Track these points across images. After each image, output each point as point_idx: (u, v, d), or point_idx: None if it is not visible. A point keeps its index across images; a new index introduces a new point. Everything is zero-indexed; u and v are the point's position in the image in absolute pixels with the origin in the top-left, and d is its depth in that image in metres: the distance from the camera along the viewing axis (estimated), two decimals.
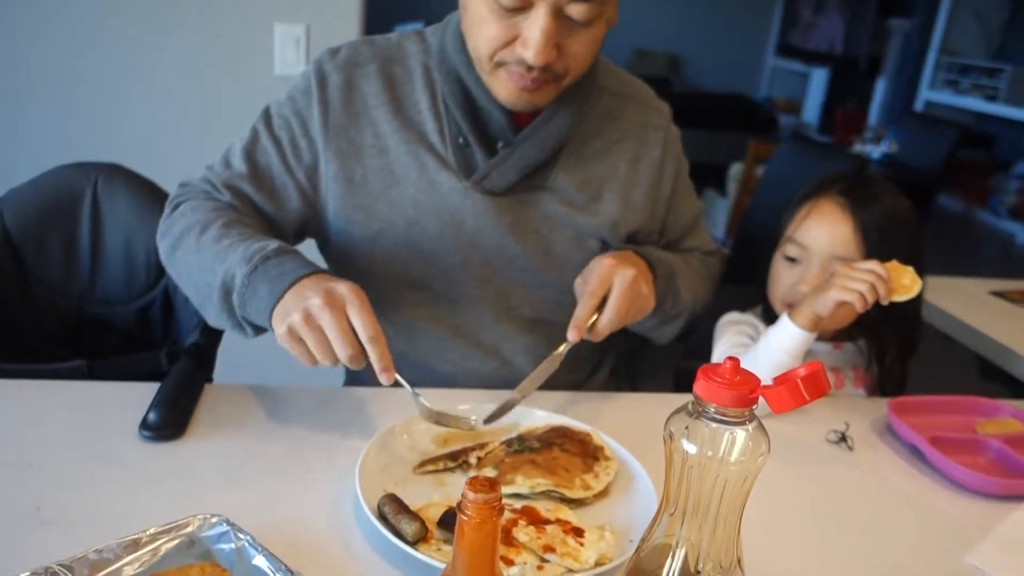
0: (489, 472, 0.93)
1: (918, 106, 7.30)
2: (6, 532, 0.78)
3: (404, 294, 1.19)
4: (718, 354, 1.30)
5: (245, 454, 0.95)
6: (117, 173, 1.36)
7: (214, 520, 0.76)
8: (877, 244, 1.21)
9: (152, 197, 1.36)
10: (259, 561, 0.72)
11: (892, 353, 1.31)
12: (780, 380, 0.56)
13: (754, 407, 0.56)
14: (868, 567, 0.86)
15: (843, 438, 1.11)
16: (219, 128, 2.08)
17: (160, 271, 1.36)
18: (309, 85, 1.14)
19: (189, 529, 0.75)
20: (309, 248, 1.23)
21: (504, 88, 1.05)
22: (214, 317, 1.05)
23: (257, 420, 1.02)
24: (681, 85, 7.76)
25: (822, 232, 1.24)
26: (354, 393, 1.12)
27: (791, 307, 1.22)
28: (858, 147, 5.13)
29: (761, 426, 0.57)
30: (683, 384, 1.53)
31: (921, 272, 1.15)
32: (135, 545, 0.72)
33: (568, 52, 1.02)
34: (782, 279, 1.29)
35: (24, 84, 2.02)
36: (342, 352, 0.89)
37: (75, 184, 1.34)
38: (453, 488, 0.92)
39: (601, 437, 1.00)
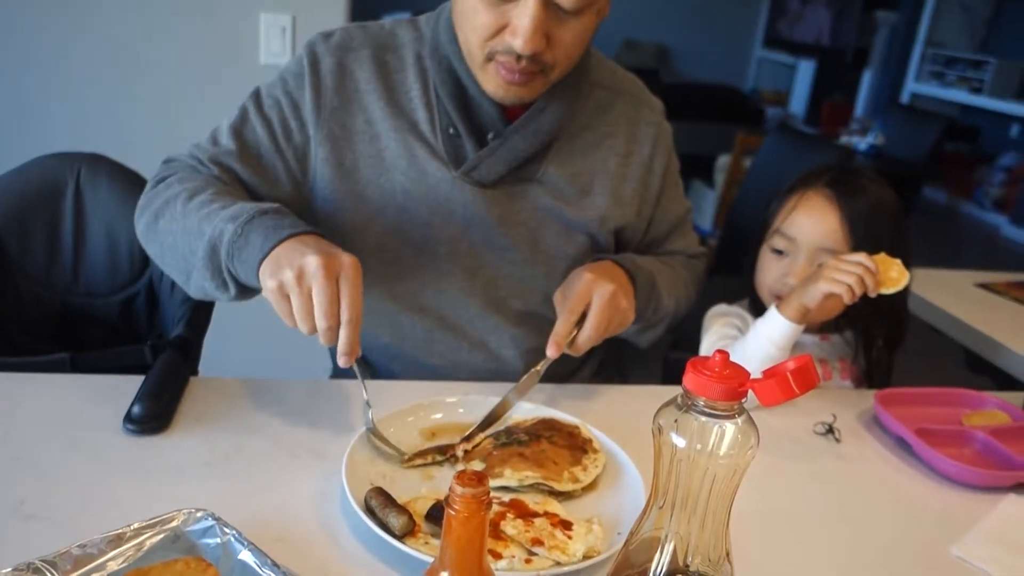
0: (477, 465, 0.92)
1: (904, 98, 7.34)
2: None
3: (392, 284, 1.18)
4: (706, 346, 1.30)
5: (231, 447, 0.94)
6: (100, 163, 1.34)
7: (199, 514, 0.75)
8: (863, 235, 1.22)
9: (136, 188, 1.34)
10: (245, 556, 0.72)
11: (879, 344, 1.31)
12: (769, 373, 0.56)
13: (743, 400, 0.56)
14: (854, 559, 0.87)
15: (830, 430, 1.12)
16: (204, 118, 2.04)
17: (144, 262, 1.34)
18: (302, 67, 1.13)
19: (174, 524, 0.75)
20: None
21: (493, 81, 1.05)
22: (197, 280, 1.01)
23: (243, 413, 1.01)
24: (669, 76, 7.76)
25: (809, 224, 1.24)
26: (341, 386, 1.11)
27: (779, 298, 1.22)
28: (844, 139, 5.15)
29: (750, 419, 0.57)
30: (671, 375, 1.53)
31: (908, 264, 1.15)
32: (119, 540, 0.72)
33: (557, 43, 1.01)
34: (769, 271, 1.29)
35: (5, 74, 1.99)
36: (321, 322, 0.87)
37: (57, 175, 1.32)
38: (441, 481, 0.91)
39: (589, 430, 1.00)
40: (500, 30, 1.00)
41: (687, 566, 0.59)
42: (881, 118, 5.87)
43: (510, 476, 0.89)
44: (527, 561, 0.77)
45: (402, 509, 0.80)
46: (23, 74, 1.99)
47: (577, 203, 1.18)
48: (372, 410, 0.95)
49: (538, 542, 0.79)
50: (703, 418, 0.56)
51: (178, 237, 1.02)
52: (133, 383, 1.01)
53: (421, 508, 0.83)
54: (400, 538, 0.77)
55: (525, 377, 1.04)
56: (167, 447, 0.93)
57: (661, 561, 0.60)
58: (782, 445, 1.08)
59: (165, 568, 0.70)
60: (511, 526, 0.80)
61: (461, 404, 1.04)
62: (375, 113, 1.13)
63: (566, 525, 0.82)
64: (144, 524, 0.73)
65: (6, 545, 0.75)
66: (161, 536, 0.74)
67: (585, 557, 0.78)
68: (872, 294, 1.12)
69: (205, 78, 2.06)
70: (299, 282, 0.88)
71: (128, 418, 0.94)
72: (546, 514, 0.84)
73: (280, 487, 0.88)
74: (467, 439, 0.97)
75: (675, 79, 7.76)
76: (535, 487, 0.89)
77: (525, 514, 0.83)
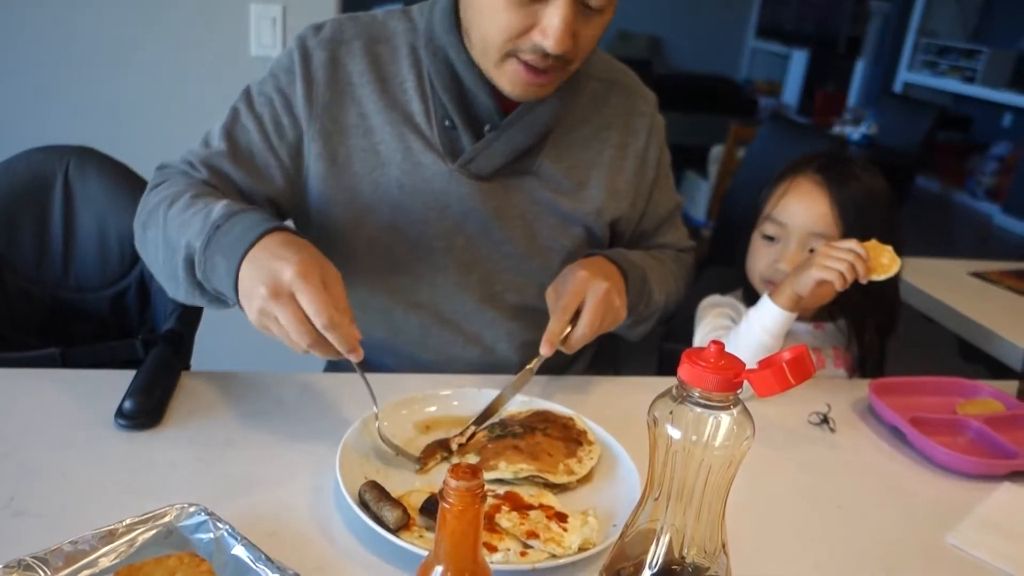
0: (472, 458, 0.92)
1: (897, 87, 7.35)
2: None
3: (386, 279, 1.17)
4: (699, 337, 1.30)
5: (223, 442, 0.93)
6: (89, 156, 1.33)
7: (192, 509, 0.75)
8: (854, 220, 1.22)
9: (125, 180, 1.33)
10: (238, 550, 0.71)
11: (871, 331, 1.32)
12: (765, 364, 0.56)
13: (739, 391, 0.55)
14: (849, 548, 0.86)
15: (825, 420, 1.12)
16: (194, 110, 2.05)
17: (135, 256, 1.33)
18: (292, 62, 1.11)
19: (166, 519, 0.74)
20: None
21: (512, 80, 1.03)
22: (185, 294, 0.99)
23: (235, 407, 1.01)
24: (663, 67, 7.76)
25: (799, 209, 1.25)
26: (335, 379, 1.10)
27: (771, 284, 1.22)
28: (838, 128, 5.14)
29: (746, 410, 0.56)
30: (666, 366, 1.53)
31: (899, 251, 1.15)
32: (111, 536, 0.71)
33: (580, 39, 1.00)
34: (761, 257, 1.29)
35: None
36: (300, 343, 0.84)
37: (46, 168, 1.31)
38: (436, 474, 0.91)
39: (584, 421, 1.00)
40: (527, 30, 0.98)
41: (683, 558, 0.59)
42: (874, 108, 5.87)
43: (505, 469, 0.88)
44: (522, 554, 0.77)
45: (396, 502, 0.80)
46: (9, 67, 1.97)
47: (573, 195, 1.18)
48: (378, 420, 0.93)
49: (533, 535, 0.78)
50: (698, 409, 0.56)
51: (160, 248, 1.01)
52: (124, 378, 1.00)
53: (416, 501, 0.82)
54: (394, 532, 0.77)
55: (518, 375, 1.04)
56: (159, 442, 0.92)
57: (657, 553, 0.59)
58: (777, 435, 1.08)
59: (158, 564, 0.70)
60: (506, 519, 0.80)
61: (455, 397, 1.04)
62: (368, 107, 1.11)
63: (561, 517, 0.82)
64: (136, 520, 0.73)
65: None
66: (154, 532, 0.73)
67: (581, 549, 0.77)
68: (863, 280, 1.12)
69: (196, 70, 2.05)
70: (264, 317, 0.85)
71: (119, 413, 0.93)
72: (541, 506, 0.83)
73: (274, 481, 0.87)
74: (463, 439, 0.96)
75: (668, 70, 7.75)
76: (530, 480, 0.89)
77: (520, 507, 0.83)
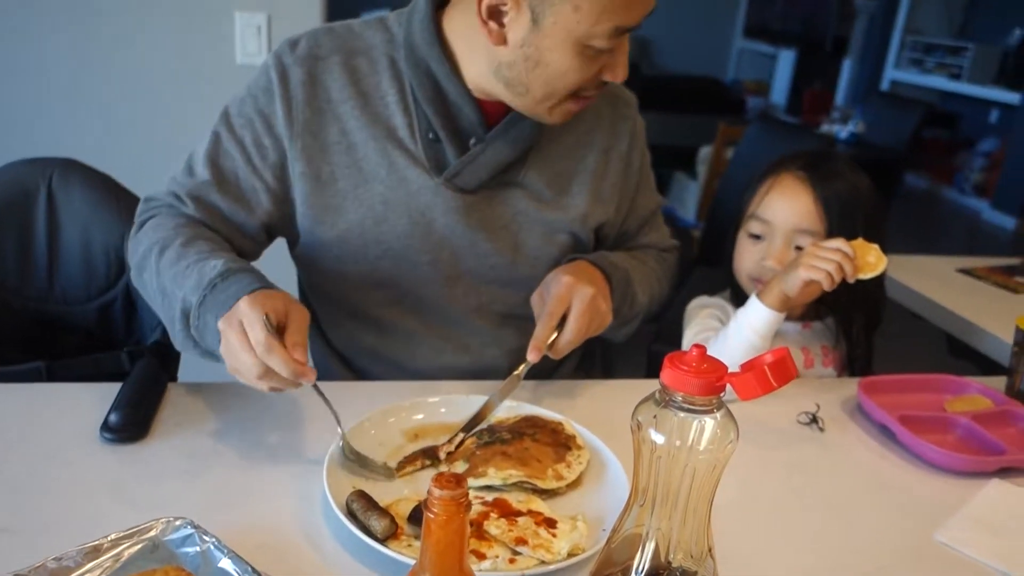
0: (460, 465, 0.91)
1: (884, 85, 7.39)
2: None
3: (373, 292, 1.17)
4: (688, 338, 1.30)
5: (210, 454, 0.93)
6: (72, 168, 1.32)
7: (178, 523, 0.74)
8: (838, 216, 1.23)
9: (109, 192, 1.33)
10: (225, 563, 0.71)
11: (858, 327, 1.33)
12: (747, 367, 0.56)
13: (722, 395, 0.55)
14: (839, 547, 0.86)
15: (814, 419, 1.12)
16: (180, 119, 2.05)
17: (120, 268, 1.32)
18: (270, 82, 1.10)
19: (152, 533, 0.74)
20: (281, 246, 1.21)
21: (564, 114, 1.07)
22: (180, 344, 1.00)
23: (222, 418, 1.00)
24: (650, 68, 7.77)
25: (783, 206, 1.25)
26: (322, 389, 1.10)
27: (758, 283, 1.23)
28: (826, 127, 5.16)
29: (729, 413, 0.56)
30: (655, 368, 1.53)
31: (884, 249, 1.16)
32: (96, 552, 0.71)
33: None
34: (747, 256, 1.30)
35: None
36: (251, 373, 0.85)
37: (28, 180, 1.30)
38: (424, 483, 0.90)
39: (573, 426, 0.99)
40: (596, 75, 1.02)
41: (669, 563, 0.59)
42: (861, 106, 5.89)
43: (494, 475, 0.88)
44: (511, 561, 0.77)
45: (384, 512, 0.79)
46: None
47: (557, 204, 1.17)
48: (343, 437, 0.92)
49: (522, 541, 0.78)
50: (682, 414, 0.55)
51: (157, 295, 1.02)
52: (110, 391, 1.00)
53: (403, 510, 0.82)
54: (382, 541, 0.77)
55: (505, 382, 1.03)
56: (145, 455, 0.92)
57: (643, 559, 0.59)
58: (766, 435, 1.08)
59: None
60: (494, 526, 0.80)
61: (443, 404, 1.04)
62: (350, 123, 1.10)
63: (550, 523, 0.81)
64: (122, 534, 0.72)
65: None
66: (139, 546, 0.72)
67: (570, 555, 0.77)
68: (851, 280, 1.13)
69: (180, 79, 2.04)
70: (227, 329, 0.87)
71: (105, 427, 0.93)
72: (530, 512, 0.83)
73: (261, 492, 0.87)
74: (450, 444, 0.96)
75: (656, 71, 7.77)
76: (519, 485, 0.88)
77: (509, 513, 0.82)
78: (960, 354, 1.74)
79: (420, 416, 1.02)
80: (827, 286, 1.12)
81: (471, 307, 1.19)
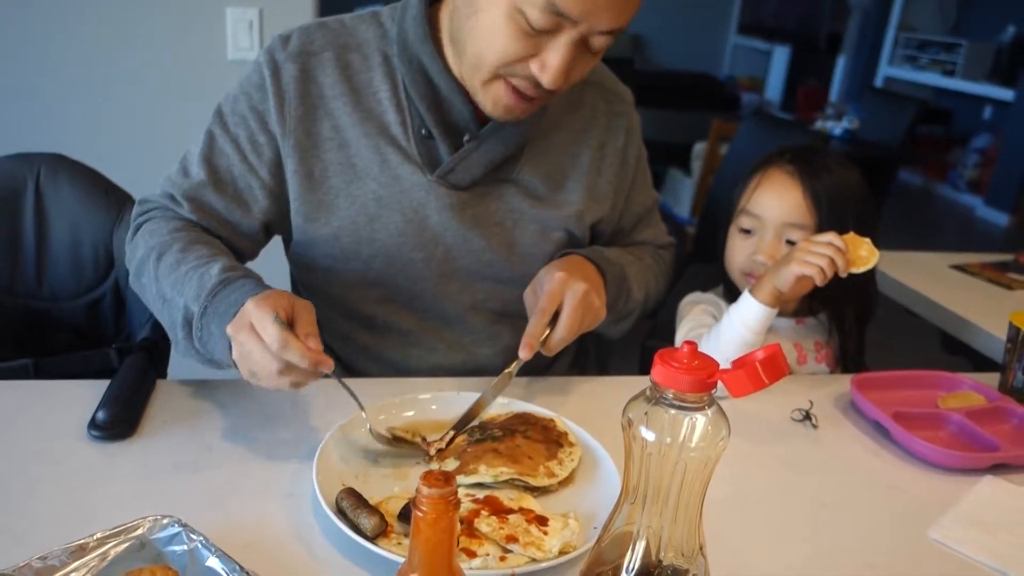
0: (451, 463, 0.91)
1: (878, 82, 7.39)
2: None
3: (366, 290, 1.16)
4: (681, 335, 1.30)
5: (199, 451, 0.92)
6: (60, 164, 1.31)
7: (165, 521, 0.73)
8: (827, 209, 1.23)
9: (98, 188, 1.32)
10: (212, 562, 0.70)
11: (850, 320, 1.33)
12: (739, 364, 0.55)
13: (714, 391, 0.55)
14: (832, 544, 0.86)
15: (807, 416, 1.11)
16: (170, 116, 2.03)
17: (109, 264, 1.31)
18: (262, 78, 1.09)
19: (139, 531, 0.73)
20: (274, 247, 1.20)
21: (495, 100, 1.02)
22: (183, 351, 0.99)
23: (212, 416, 0.99)
24: (645, 64, 7.76)
25: (773, 200, 1.26)
26: (313, 385, 1.08)
27: (750, 277, 1.23)
28: (820, 124, 5.15)
29: (721, 411, 0.56)
30: (648, 364, 1.52)
31: (876, 243, 1.16)
32: (82, 550, 0.70)
33: (572, 73, 0.99)
34: (739, 251, 1.30)
35: None
36: (270, 371, 0.84)
37: (16, 176, 1.29)
38: (415, 481, 0.89)
39: (565, 423, 0.99)
40: (526, 59, 0.97)
41: (660, 561, 0.58)
42: (855, 102, 5.90)
43: (485, 472, 0.87)
44: (502, 559, 0.76)
45: (373, 510, 0.79)
46: None
47: (551, 201, 1.16)
48: (367, 420, 0.93)
49: (513, 539, 0.77)
50: (673, 411, 0.55)
51: (156, 301, 1.01)
52: (98, 388, 0.99)
53: (394, 508, 0.81)
54: (372, 539, 0.76)
55: (497, 379, 1.02)
56: (133, 453, 0.91)
57: (634, 557, 0.59)
58: (760, 432, 1.08)
59: None
60: (485, 524, 0.79)
61: (434, 401, 1.03)
62: (342, 119, 1.09)
63: (542, 521, 0.81)
64: (108, 533, 0.72)
65: None
66: (126, 545, 0.72)
67: (561, 553, 0.77)
68: (843, 274, 1.13)
69: (171, 74, 2.03)
70: (242, 360, 0.86)
71: (93, 424, 0.92)
72: (521, 510, 0.83)
73: (250, 490, 0.86)
74: (441, 444, 0.95)
75: (650, 67, 7.76)
76: (510, 483, 0.88)
77: (499, 511, 0.82)
78: (954, 350, 1.74)
79: (411, 413, 1.01)
80: (819, 281, 1.12)
81: (465, 305, 1.18)
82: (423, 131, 1.09)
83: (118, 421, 0.93)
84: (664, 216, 1.42)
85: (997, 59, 6.61)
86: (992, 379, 1.25)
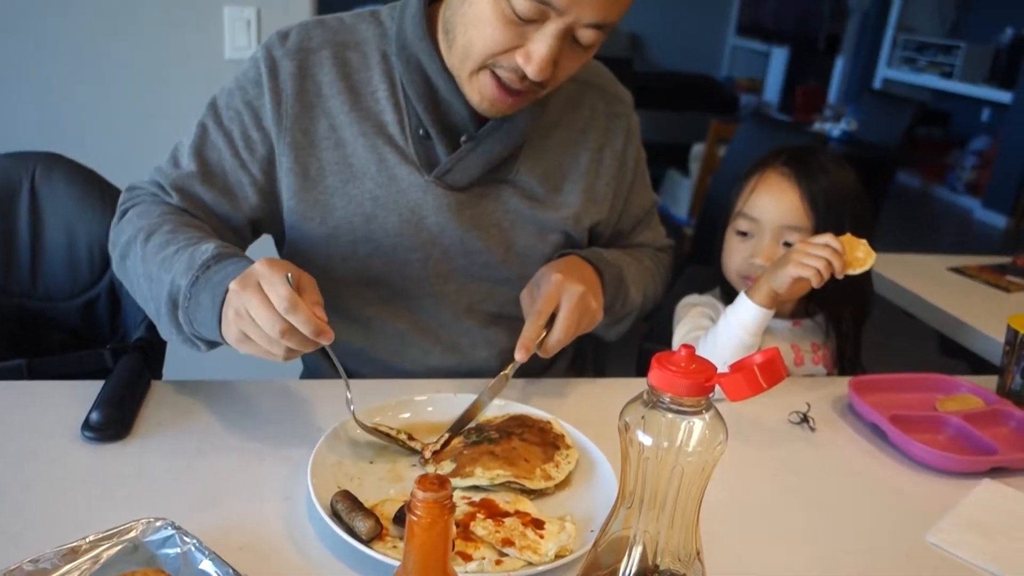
0: (447, 465, 0.90)
1: (876, 84, 7.40)
2: None
3: (362, 291, 1.15)
4: (679, 337, 1.29)
5: (193, 453, 0.91)
6: (56, 162, 1.30)
7: (158, 524, 0.73)
8: (824, 211, 1.23)
9: (94, 187, 1.31)
10: (206, 565, 0.69)
11: (847, 321, 1.33)
12: (736, 367, 0.55)
13: (711, 395, 0.54)
14: (830, 548, 0.86)
15: (805, 419, 1.11)
16: (167, 115, 2.02)
17: (105, 264, 1.31)
18: (259, 74, 1.08)
19: (132, 534, 0.72)
20: (267, 246, 1.19)
21: (481, 92, 1.01)
22: (165, 332, 0.98)
23: (206, 417, 0.99)
24: (643, 65, 7.76)
25: (770, 203, 1.25)
26: (309, 386, 1.09)
27: (748, 280, 1.23)
28: (818, 125, 5.15)
29: (718, 415, 0.55)
30: (646, 366, 1.51)
31: (872, 242, 1.16)
32: (73, 553, 0.69)
33: (561, 68, 0.98)
34: (736, 253, 1.30)
35: None
36: (272, 331, 0.82)
37: (11, 175, 1.28)
38: (411, 483, 0.89)
39: (561, 425, 0.98)
40: (512, 49, 0.96)
41: (656, 566, 0.58)
42: (854, 104, 5.90)
43: (481, 475, 0.87)
44: (497, 563, 0.76)
45: (368, 512, 0.78)
46: None
47: (549, 203, 1.16)
48: (353, 406, 0.93)
49: (509, 543, 0.77)
50: (670, 415, 0.54)
51: (141, 280, 0.99)
52: (92, 389, 0.98)
53: (389, 511, 0.81)
54: (367, 542, 0.76)
55: (494, 381, 1.02)
56: (127, 454, 0.90)
57: (630, 562, 0.58)
58: (757, 435, 1.07)
59: None
60: (481, 527, 0.79)
61: (430, 403, 1.02)
62: (339, 118, 1.08)
63: (538, 524, 0.80)
64: (101, 535, 0.71)
65: None
66: (119, 548, 0.71)
67: (557, 556, 0.76)
68: (839, 276, 1.13)
69: (169, 73, 2.02)
70: (239, 319, 0.84)
71: (86, 425, 0.91)
72: (517, 513, 0.82)
73: (244, 493, 0.85)
74: (436, 446, 0.95)
75: (649, 68, 7.76)
76: (506, 486, 0.87)
77: (495, 514, 0.81)
78: (951, 353, 1.74)
79: (407, 415, 1.01)
80: (816, 283, 1.13)
81: (462, 306, 1.18)
82: (421, 131, 1.08)
83: (112, 422, 0.92)
84: (662, 217, 1.41)
85: (995, 61, 6.62)
86: (990, 382, 1.25)
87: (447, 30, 1.03)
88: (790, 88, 7.96)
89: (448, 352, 1.19)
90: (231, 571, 0.68)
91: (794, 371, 1.30)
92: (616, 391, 1.14)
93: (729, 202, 1.32)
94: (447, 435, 0.96)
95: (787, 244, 1.24)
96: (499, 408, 1.02)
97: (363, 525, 0.76)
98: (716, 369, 0.54)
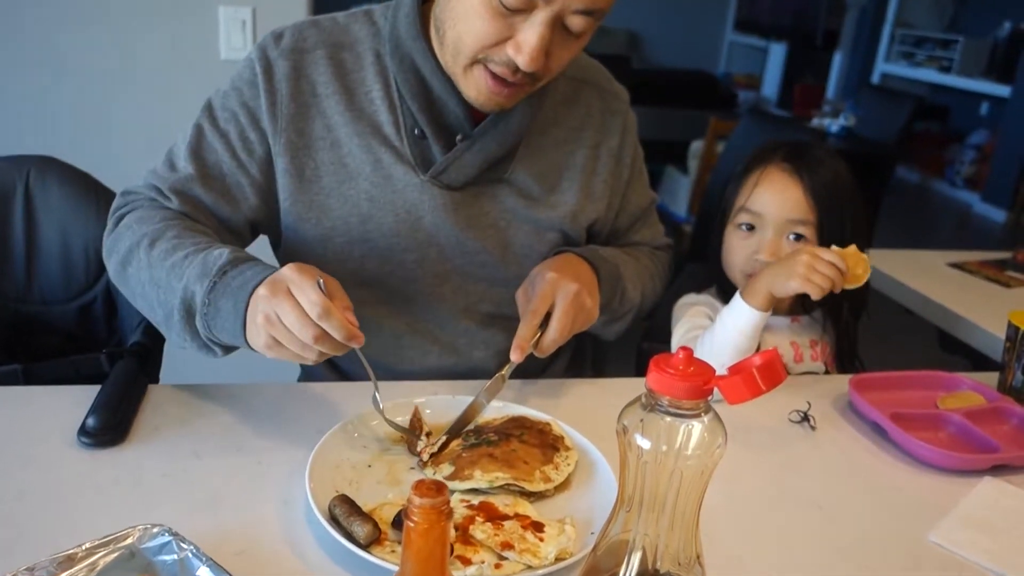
0: (446, 468, 0.90)
1: (874, 79, 7.39)
2: None
3: (358, 292, 1.14)
4: (678, 337, 1.28)
5: (190, 458, 0.91)
6: (50, 165, 1.29)
7: (155, 530, 0.72)
8: (827, 204, 1.24)
9: (88, 190, 1.30)
10: (203, 572, 0.69)
11: (846, 316, 1.33)
12: (735, 370, 0.54)
13: (709, 398, 0.54)
14: (831, 547, 0.85)
15: (805, 417, 1.10)
16: (162, 116, 2.02)
17: (100, 267, 1.30)
18: (255, 75, 1.07)
19: (129, 541, 0.72)
20: (262, 248, 1.18)
21: (475, 87, 1.00)
22: (176, 339, 0.97)
23: (203, 422, 0.98)
24: (641, 62, 7.75)
25: (774, 198, 1.25)
26: (306, 389, 1.08)
27: (751, 277, 1.22)
28: (816, 121, 5.14)
29: (717, 417, 0.55)
30: (644, 366, 1.51)
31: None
32: (70, 561, 0.69)
33: (555, 58, 0.97)
34: (739, 250, 1.29)
35: None
36: (305, 337, 0.82)
37: (5, 178, 1.27)
38: (409, 487, 0.88)
39: (560, 426, 0.98)
40: (502, 41, 0.95)
41: (656, 570, 0.57)
42: (852, 99, 5.88)
43: (480, 478, 0.86)
44: (497, 566, 0.75)
45: (367, 517, 0.78)
46: None
47: (546, 201, 1.15)
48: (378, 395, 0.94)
49: (508, 546, 0.76)
50: (668, 418, 0.54)
51: (147, 287, 0.98)
52: (88, 393, 0.97)
53: (387, 515, 0.80)
54: (365, 547, 0.75)
55: (490, 382, 1.01)
56: (123, 460, 0.89)
57: (630, 565, 0.58)
58: (758, 434, 1.07)
59: None
60: (480, 530, 0.78)
61: (428, 405, 1.02)
62: (335, 118, 1.08)
63: (537, 527, 0.80)
64: (97, 543, 0.71)
65: None
66: (115, 555, 0.71)
67: (557, 559, 0.76)
68: (837, 291, 1.15)
69: (163, 74, 2.01)
70: (269, 325, 0.84)
71: (82, 430, 0.91)
72: (516, 516, 0.81)
73: (242, 497, 0.85)
74: (434, 449, 0.94)
75: (647, 65, 7.75)
76: (506, 488, 0.87)
77: (495, 517, 0.81)
78: (952, 349, 1.73)
79: (403, 419, 1.00)
80: (816, 297, 1.14)
81: (459, 307, 1.17)
82: (416, 131, 1.08)
83: (108, 427, 0.91)
84: (661, 215, 1.41)
85: (993, 55, 6.61)
86: (991, 378, 1.24)
87: (438, 27, 1.02)
88: (788, 84, 7.95)
89: (446, 352, 1.19)
90: None
91: (793, 368, 1.30)
92: (614, 392, 1.13)
93: (725, 200, 1.32)
94: (445, 437, 0.95)
95: (797, 236, 1.24)
96: (498, 410, 1.02)
97: (361, 530, 0.76)
98: (714, 372, 0.53)
